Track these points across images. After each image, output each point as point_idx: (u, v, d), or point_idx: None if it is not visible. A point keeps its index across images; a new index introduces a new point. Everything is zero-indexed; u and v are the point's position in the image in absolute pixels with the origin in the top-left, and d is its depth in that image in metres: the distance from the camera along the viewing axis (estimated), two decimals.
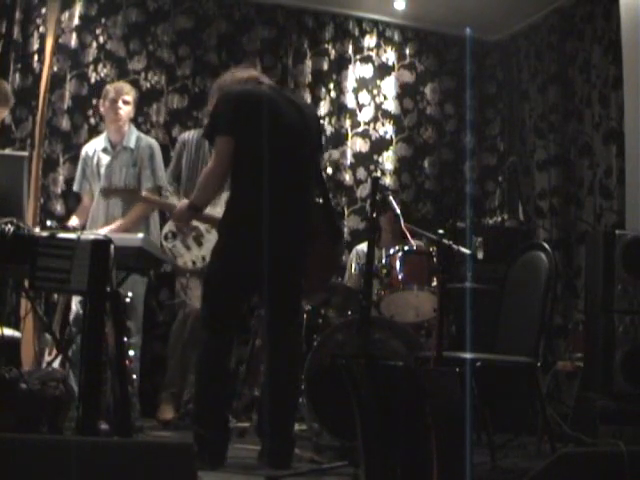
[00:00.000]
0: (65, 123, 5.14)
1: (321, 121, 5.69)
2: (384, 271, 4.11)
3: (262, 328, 3.67)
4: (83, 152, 4.61)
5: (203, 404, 3.23)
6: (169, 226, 4.39)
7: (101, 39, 5.27)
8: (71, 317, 4.23)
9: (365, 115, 5.85)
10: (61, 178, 5.09)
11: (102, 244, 2.65)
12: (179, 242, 4.36)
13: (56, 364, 3.72)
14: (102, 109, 4.55)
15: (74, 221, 4.44)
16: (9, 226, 2.63)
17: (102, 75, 5.24)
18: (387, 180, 5.81)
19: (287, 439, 3.25)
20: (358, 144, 5.81)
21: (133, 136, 4.51)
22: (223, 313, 3.27)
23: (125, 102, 4.46)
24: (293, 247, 3.30)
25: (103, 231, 3.75)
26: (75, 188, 4.62)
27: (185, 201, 3.54)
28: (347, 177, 5.73)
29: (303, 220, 3.34)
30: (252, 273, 3.30)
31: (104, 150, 4.50)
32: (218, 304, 3.28)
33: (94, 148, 4.54)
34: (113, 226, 4.24)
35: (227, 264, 3.29)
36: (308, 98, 5.68)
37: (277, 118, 3.31)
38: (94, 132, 5.13)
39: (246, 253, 3.25)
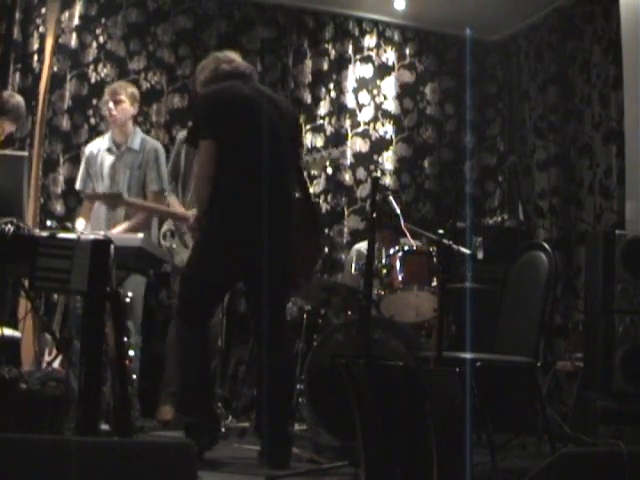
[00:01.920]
0: (65, 123, 5.14)
1: (321, 121, 5.71)
2: (384, 271, 4.11)
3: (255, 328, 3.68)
4: (87, 151, 4.58)
5: (187, 393, 3.30)
6: (168, 225, 4.39)
7: (101, 39, 5.28)
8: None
9: (365, 115, 5.85)
10: (61, 178, 5.09)
11: (102, 244, 2.64)
12: (177, 241, 4.36)
13: (56, 364, 3.72)
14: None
15: (81, 223, 4.42)
16: (9, 226, 2.63)
17: (102, 75, 5.24)
18: (387, 180, 5.81)
19: (284, 439, 3.26)
20: (358, 144, 5.81)
21: (138, 138, 4.48)
22: (197, 304, 3.31)
23: (117, 101, 4.40)
24: (275, 241, 3.29)
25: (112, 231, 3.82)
26: (78, 186, 4.58)
27: (191, 214, 3.58)
28: (347, 177, 5.74)
29: (284, 213, 3.36)
30: (232, 266, 3.35)
31: (108, 150, 4.48)
32: (193, 296, 3.32)
33: (98, 148, 4.52)
34: (119, 228, 4.23)
35: (206, 257, 3.33)
36: (308, 98, 5.69)
37: (254, 115, 3.35)
38: (94, 132, 5.14)
39: (226, 247, 3.30)
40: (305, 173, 5.56)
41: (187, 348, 3.28)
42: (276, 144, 3.35)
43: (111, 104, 4.41)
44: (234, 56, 3.60)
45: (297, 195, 3.59)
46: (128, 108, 4.46)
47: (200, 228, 3.43)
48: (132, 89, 4.53)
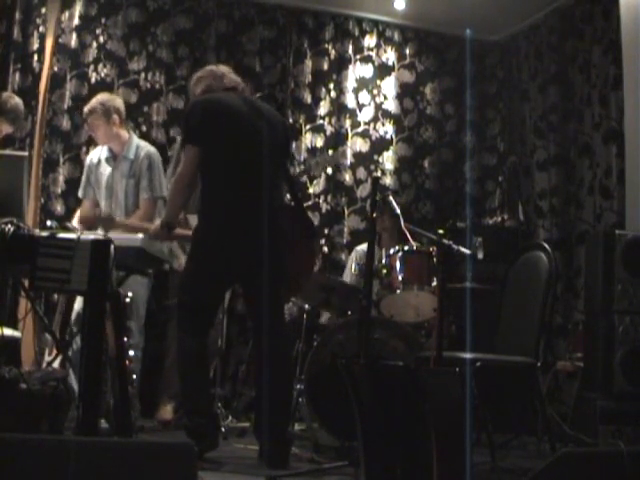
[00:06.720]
0: (65, 123, 5.14)
1: (321, 121, 5.71)
2: (384, 271, 4.11)
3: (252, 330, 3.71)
4: (88, 160, 4.58)
5: (189, 398, 3.35)
6: None
7: (101, 39, 5.28)
8: (73, 316, 4.22)
9: (365, 115, 5.85)
10: (61, 178, 5.09)
11: (102, 244, 2.64)
12: (176, 244, 4.36)
13: (56, 364, 3.72)
14: None
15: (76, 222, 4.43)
16: (9, 226, 2.63)
17: (102, 75, 5.25)
18: (387, 180, 5.81)
19: (282, 440, 3.28)
20: (358, 144, 5.81)
21: (133, 146, 4.41)
22: (197, 310, 3.36)
23: (92, 127, 4.36)
24: (266, 244, 3.33)
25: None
26: (80, 194, 4.58)
27: (158, 222, 3.61)
28: (347, 177, 5.74)
29: (272, 216, 3.39)
30: (225, 274, 3.42)
31: (107, 160, 4.46)
32: (191, 302, 3.36)
33: (98, 157, 4.51)
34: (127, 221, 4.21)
35: (201, 267, 3.38)
36: (308, 98, 5.69)
37: (242, 126, 3.42)
38: None
39: (218, 256, 3.35)
40: (305, 175, 5.60)
41: (188, 357, 3.34)
42: (261, 153, 3.40)
43: (90, 127, 4.39)
44: (228, 71, 3.67)
45: (289, 201, 3.66)
46: (106, 128, 4.34)
47: (192, 235, 3.48)
48: (105, 105, 4.33)
